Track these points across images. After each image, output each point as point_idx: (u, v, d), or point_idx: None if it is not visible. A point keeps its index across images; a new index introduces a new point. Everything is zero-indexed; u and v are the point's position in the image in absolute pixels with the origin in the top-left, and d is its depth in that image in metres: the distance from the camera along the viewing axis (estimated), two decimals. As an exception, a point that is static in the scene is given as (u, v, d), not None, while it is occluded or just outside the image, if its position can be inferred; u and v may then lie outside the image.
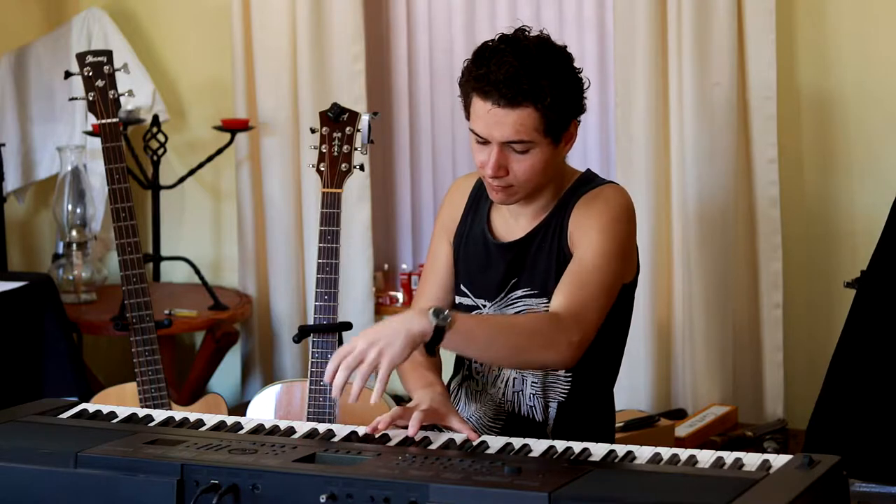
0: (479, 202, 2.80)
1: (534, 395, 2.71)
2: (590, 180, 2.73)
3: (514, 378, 2.73)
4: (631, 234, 2.69)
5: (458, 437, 2.36)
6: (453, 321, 2.38)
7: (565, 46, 2.65)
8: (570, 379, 2.70)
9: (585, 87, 2.64)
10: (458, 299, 2.80)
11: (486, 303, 2.74)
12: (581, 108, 2.64)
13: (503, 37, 2.63)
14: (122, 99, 3.43)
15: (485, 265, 2.74)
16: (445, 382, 2.80)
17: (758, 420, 4.13)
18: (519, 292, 2.70)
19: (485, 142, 2.59)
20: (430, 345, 2.39)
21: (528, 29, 2.66)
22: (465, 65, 2.62)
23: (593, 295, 2.57)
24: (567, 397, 2.70)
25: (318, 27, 4.47)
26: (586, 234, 2.63)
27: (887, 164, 4.00)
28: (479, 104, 2.57)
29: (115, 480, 2.17)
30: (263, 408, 3.36)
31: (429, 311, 2.38)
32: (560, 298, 2.56)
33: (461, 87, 2.63)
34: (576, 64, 2.64)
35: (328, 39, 4.48)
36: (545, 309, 2.64)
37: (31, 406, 2.57)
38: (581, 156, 4.44)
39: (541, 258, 2.68)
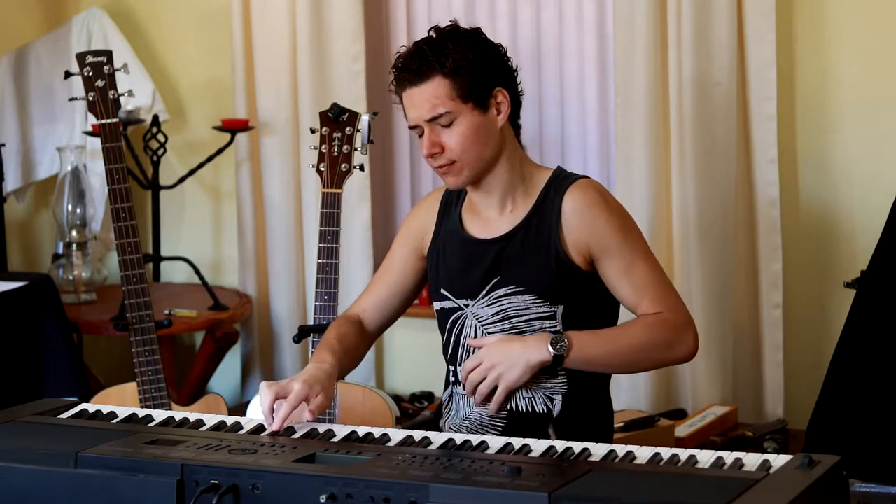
0: (449, 207, 2.85)
1: (530, 389, 2.71)
2: (565, 176, 2.77)
3: None
4: (628, 212, 2.78)
5: (458, 438, 2.36)
6: (570, 349, 2.61)
7: (479, 29, 2.76)
8: (564, 375, 2.70)
9: (515, 68, 2.73)
10: (437, 305, 2.82)
11: (469, 301, 2.76)
12: (503, 77, 2.71)
13: None
14: (122, 99, 3.43)
15: (463, 264, 2.77)
16: (441, 394, 2.84)
17: (758, 420, 4.13)
18: (502, 290, 2.72)
19: (420, 132, 2.69)
20: (551, 369, 2.64)
21: (452, 23, 2.77)
22: None
23: (664, 283, 2.71)
24: (569, 389, 2.71)
25: (318, 27, 4.47)
26: (611, 239, 2.68)
27: (887, 163, 4.00)
28: (402, 97, 2.70)
29: (115, 480, 2.17)
30: (263, 408, 3.36)
31: (548, 341, 2.59)
32: (647, 303, 2.67)
33: (395, 93, 2.73)
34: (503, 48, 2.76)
35: (328, 39, 4.48)
36: (532, 304, 2.69)
37: (31, 406, 2.57)
38: (581, 156, 4.44)
39: (526, 256, 2.71)
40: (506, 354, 2.62)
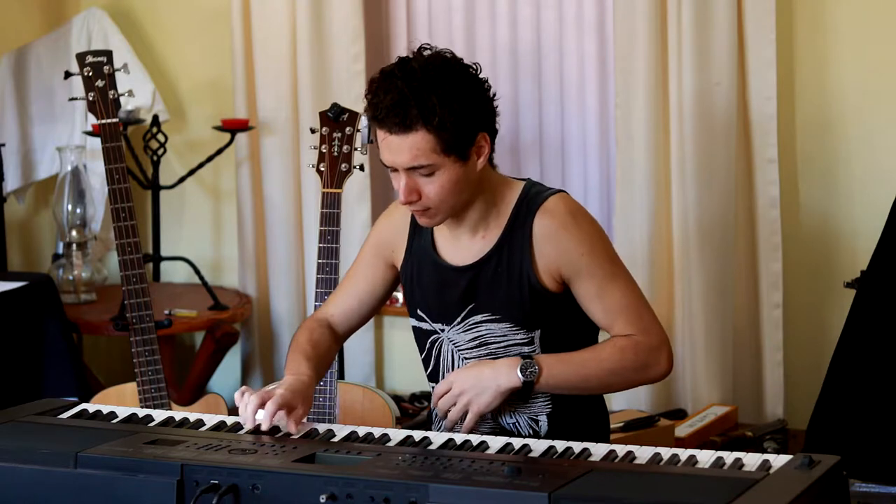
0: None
1: (514, 413, 2.69)
2: (536, 193, 2.68)
3: None
4: (601, 229, 2.71)
5: (458, 438, 2.36)
6: (540, 374, 2.59)
7: (460, 61, 2.59)
8: (547, 395, 2.68)
9: (494, 98, 2.61)
10: (415, 323, 2.77)
11: (445, 327, 2.72)
12: (486, 121, 2.60)
13: (398, 60, 2.61)
14: (122, 99, 3.43)
15: (439, 289, 2.71)
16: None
17: (758, 420, 4.12)
18: (478, 317, 2.68)
19: (394, 169, 2.60)
20: (522, 394, 2.62)
21: (427, 48, 2.61)
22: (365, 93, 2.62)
23: (637, 303, 2.67)
24: (553, 408, 2.69)
25: (318, 27, 4.47)
26: (581, 262, 2.62)
27: (887, 163, 4.00)
28: (378, 133, 2.58)
29: (115, 480, 2.17)
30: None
31: (517, 367, 2.57)
32: (620, 325, 2.65)
33: (367, 118, 2.62)
34: (483, 76, 2.60)
35: (328, 39, 4.48)
36: (508, 332, 2.65)
37: (31, 406, 2.58)
38: (581, 156, 4.44)
39: (499, 283, 2.66)
40: (476, 379, 2.60)
